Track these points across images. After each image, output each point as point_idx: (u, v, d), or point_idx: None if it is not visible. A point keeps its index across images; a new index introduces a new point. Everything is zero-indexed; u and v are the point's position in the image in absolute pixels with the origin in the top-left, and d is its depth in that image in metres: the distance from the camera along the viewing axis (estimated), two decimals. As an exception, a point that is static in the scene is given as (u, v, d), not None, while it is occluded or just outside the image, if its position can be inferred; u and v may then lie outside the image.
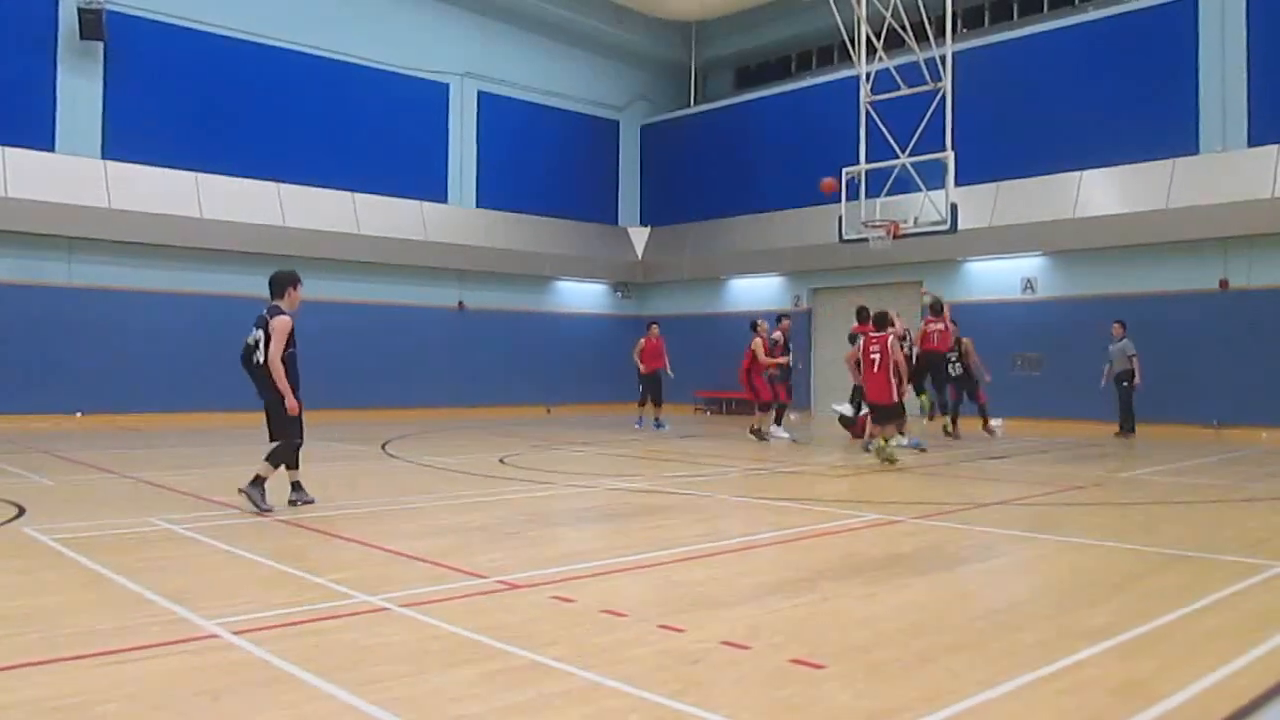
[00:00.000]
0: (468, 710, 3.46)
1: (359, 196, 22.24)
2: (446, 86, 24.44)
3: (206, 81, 20.59)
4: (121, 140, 19.40)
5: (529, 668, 3.93)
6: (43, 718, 3.38)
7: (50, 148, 18.70)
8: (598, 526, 8.08)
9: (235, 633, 4.36)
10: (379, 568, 5.98)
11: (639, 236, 27.82)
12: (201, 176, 20.05)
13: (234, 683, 3.76)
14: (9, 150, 18.00)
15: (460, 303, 24.13)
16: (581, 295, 26.85)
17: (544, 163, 26.11)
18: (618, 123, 28.17)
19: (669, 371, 18.92)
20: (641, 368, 18.80)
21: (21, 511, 7.85)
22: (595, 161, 27.62)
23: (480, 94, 25.00)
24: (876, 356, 12.74)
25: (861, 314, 14.82)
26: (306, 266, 21.51)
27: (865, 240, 17.26)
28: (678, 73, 28.96)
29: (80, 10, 18.64)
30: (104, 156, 19.20)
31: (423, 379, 22.89)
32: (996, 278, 20.87)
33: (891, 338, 12.91)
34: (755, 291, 25.53)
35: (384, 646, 4.25)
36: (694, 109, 27.99)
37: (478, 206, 24.79)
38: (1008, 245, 20.27)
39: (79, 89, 19.15)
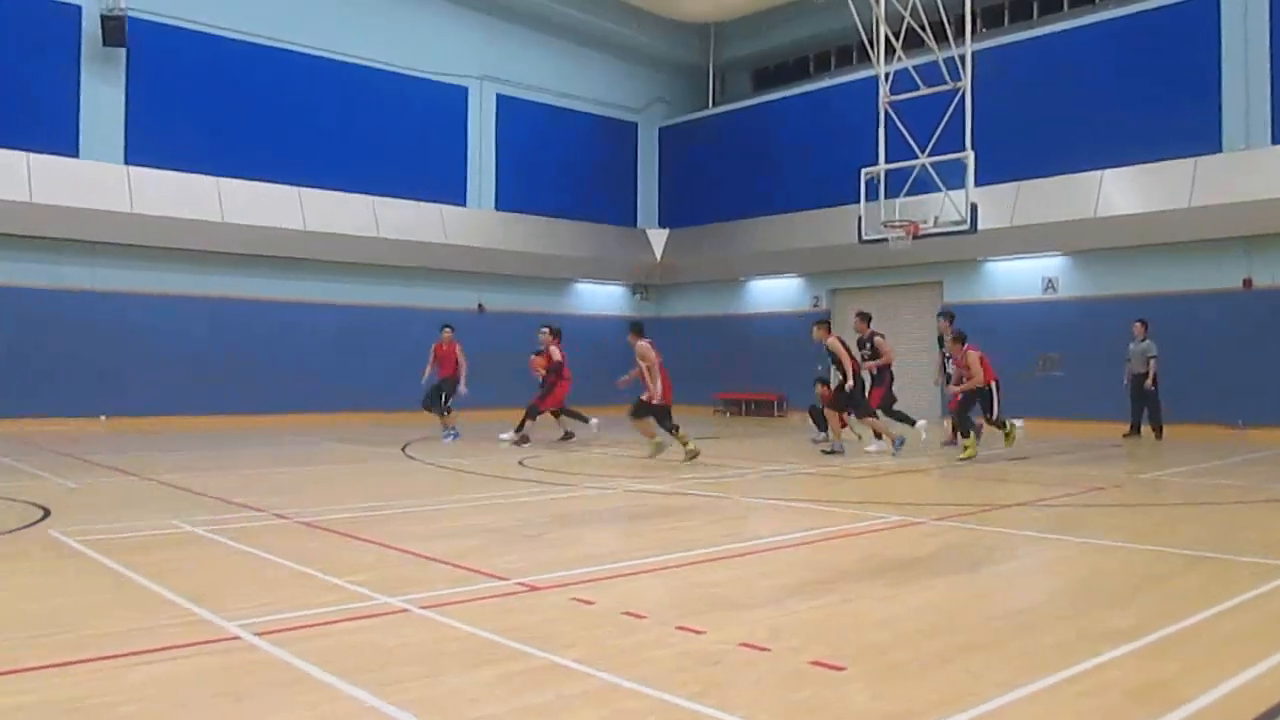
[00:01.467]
0: (486, 711, 3.47)
1: (379, 200, 22.33)
2: (465, 90, 24.51)
3: (226, 86, 20.73)
4: (143, 145, 19.56)
5: (548, 669, 3.94)
6: (64, 718, 3.42)
7: (74, 153, 18.88)
8: (617, 528, 8.08)
9: (256, 634, 4.39)
10: (398, 569, 6.00)
11: (657, 238, 27.82)
12: (222, 180, 20.17)
13: (255, 683, 3.78)
14: (33, 156, 18.17)
15: (480, 305, 24.20)
16: (600, 297, 26.88)
17: (562, 165, 26.15)
18: (636, 125, 28.19)
19: (462, 387, 16.87)
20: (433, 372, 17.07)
21: (47, 514, 7.92)
22: (613, 163, 27.65)
23: (499, 97, 25.08)
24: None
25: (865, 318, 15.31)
26: (327, 270, 21.81)
27: (885, 241, 17.19)
28: (696, 74, 28.96)
29: (103, 17, 18.81)
30: (126, 161, 19.36)
31: (442, 381, 22.93)
32: (1017, 278, 20.76)
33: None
34: (774, 293, 25.48)
35: (403, 648, 4.27)
36: (712, 110, 27.98)
37: (496, 209, 24.86)
38: (1028, 245, 20.16)
39: (101, 95, 19.33)
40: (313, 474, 11.69)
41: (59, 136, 18.76)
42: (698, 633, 4.46)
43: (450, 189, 24.05)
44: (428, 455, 13.74)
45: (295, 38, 21.75)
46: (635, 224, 28.05)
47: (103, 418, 18.77)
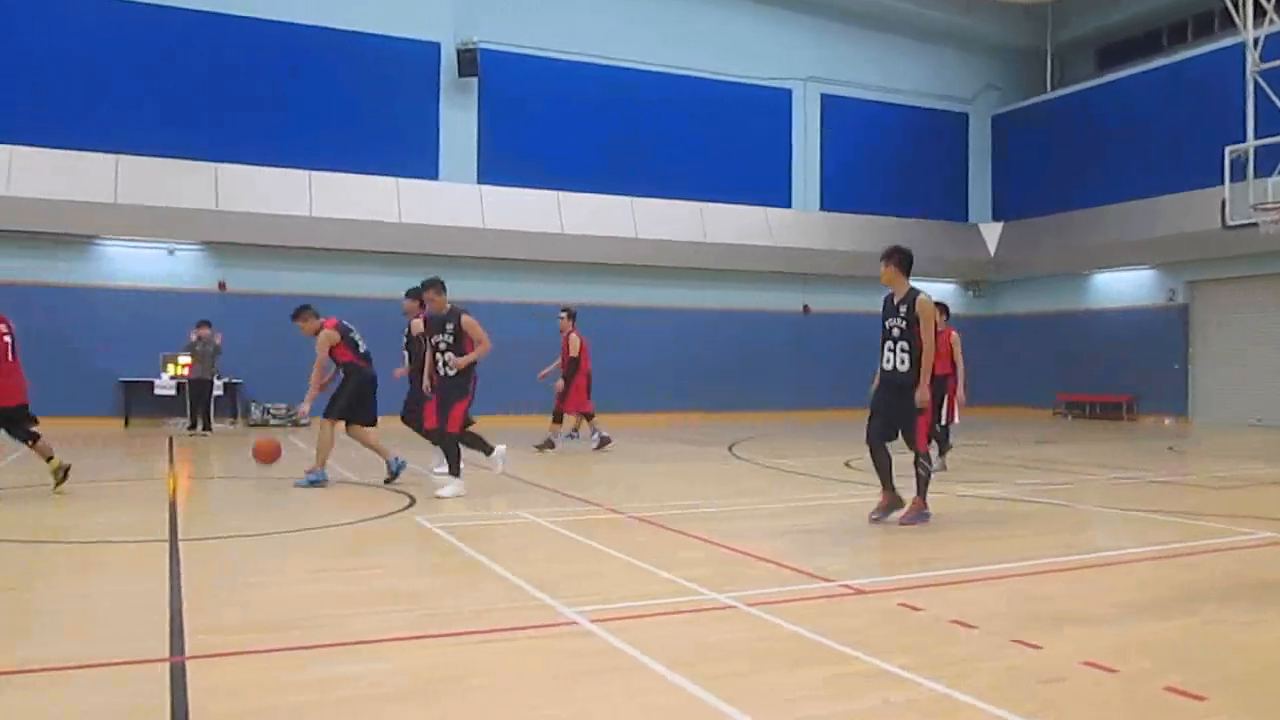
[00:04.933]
0: (810, 712, 3.46)
1: (707, 206, 22.89)
2: (789, 92, 24.59)
3: (564, 106, 22.06)
4: (492, 165, 21.25)
5: (873, 674, 3.87)
6: (422, 685, 3.78)
7: (434, 177, 20.83)
8: (947, 534, 7.80)
9: (592, 621, 4.62)
10: (725, 566, 6.11)
11: (990, 232, 26.54)
12: (562, 195, 21.49)
13: (590, 668, 3.99)
14: (402, 181, 20.24)
15: (805, 306, 24.19)
16: (930, 295, 26.01)
17: (889, 161, 25.57)
18: (966, 115, 27.05)
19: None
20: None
21: (413, 502, 8.77)
22: (943, 157, 26.68)
23: (823, 97, 24.95)
24: None
25: None
26: (658, 275, 22.64)
27: (1255, 225, 15.53)
28: (1031, 58, 27.34)
29: (459, 51, 20.69)
30: (478, 181, 21.12)
31: (768, 382, 23.14)
32: None
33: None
34: (1121, 285, 23.62)
35: (729, 643, 4.35)
36: (1050, 94, 26.29)
37: (822, 209, 24.75)
38: None
39: (457, 121, 21.22)
40: (641, 471, 12.16)
41: (423, 162, 20.77)
42: (1034, 647, 4.21)
43: (775, 191, 24.22)
44: (753, 455, 13.89)
45: (627, 55, 22.73)
46: (966, 219, 26.90)
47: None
